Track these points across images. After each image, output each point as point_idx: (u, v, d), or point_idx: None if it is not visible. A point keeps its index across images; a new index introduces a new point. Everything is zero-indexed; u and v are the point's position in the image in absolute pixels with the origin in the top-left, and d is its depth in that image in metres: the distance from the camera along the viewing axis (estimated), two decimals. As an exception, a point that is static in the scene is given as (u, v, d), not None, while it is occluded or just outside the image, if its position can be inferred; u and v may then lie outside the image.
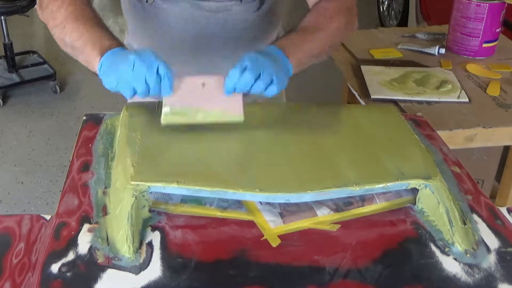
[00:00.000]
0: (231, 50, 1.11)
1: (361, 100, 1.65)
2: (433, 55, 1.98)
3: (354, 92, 1.71)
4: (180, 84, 0.98)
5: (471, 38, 1.97)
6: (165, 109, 0.98)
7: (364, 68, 1.80)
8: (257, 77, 0.95)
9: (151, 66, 0.91)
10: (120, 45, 1.00)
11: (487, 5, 1.91)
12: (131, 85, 0.92)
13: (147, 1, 1.11)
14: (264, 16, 1.22)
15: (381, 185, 0.91)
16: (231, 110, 1.00)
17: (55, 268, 0.78)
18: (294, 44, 1.07)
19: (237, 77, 0.95)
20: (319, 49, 1.12)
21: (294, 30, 1.12)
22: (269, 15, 1.25)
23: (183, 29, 1.17)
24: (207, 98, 0.99)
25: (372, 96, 1.63)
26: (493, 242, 0.88)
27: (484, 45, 1.97)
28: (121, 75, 0.93)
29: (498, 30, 1.98)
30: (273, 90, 0.98)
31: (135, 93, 0.93)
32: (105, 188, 0.94)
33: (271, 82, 0.97)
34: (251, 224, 0.88)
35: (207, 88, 0.99)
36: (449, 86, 1.71)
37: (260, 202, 0.92)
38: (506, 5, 1.95)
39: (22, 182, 2.69)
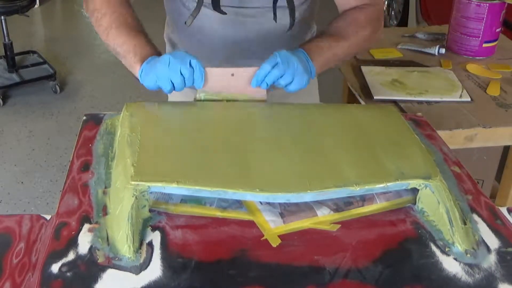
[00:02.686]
0: (263, 53, 1.15)
1: (361, 101, 1.65)
2: (433, 55, 1.99)
3: (355, 92, 1.71)
4: (211, 75, 1.10)
5: (471, 38, 1.97)
6: (198, 95, 1.12)
7: (364, 68, 1.80)
8: (282, 74, 1.08)
9: (184, 59, 1.04)
10: (158, 52, 1.13)
11: (487, 5, 1.91)
12: (168, 78, 1.05)
13: (185, 23, 1.20)
14: (298, 25, 1.28)
15: (381, 185, 0.91)
16: (256, 94, 1.14)
17: (55, 268, 0.78)
18: (320, 49, 1.17)
19: (267, 71, 1.08)
20: (344, 56, 1.24)
21: (323, 34, 1.22)
22: (302, 24, 1.33)
23: (223, 31, 1.26)
24: (235, 86, 1.13)
25: (374, 97, 1.63)
26: (493, 242, 0.88)
27: (484, 45, 1.97)
28: (159, 72, 1.05)
29: (498, 30, 1.98)
30: (290, 88, 1.11)
31: (173, 86, 1.06)
32: (105, 188, 0.94)
33: (292, 81, 1.10)
34: (251, 224, 0.88)
35: (236, 78, 1.12)
36: (451, 85, 1.71)
37: (260, 202, 0.92)
38: (506, 5, 1.95)
39: (22, 182, 2.69)
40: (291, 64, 1.08)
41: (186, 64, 1.04)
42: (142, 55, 1.11)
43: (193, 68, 1.05)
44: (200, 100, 1.13)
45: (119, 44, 1.13)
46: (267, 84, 1.10)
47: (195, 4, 1.20)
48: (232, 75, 1.12)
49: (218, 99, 1.13)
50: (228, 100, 1.13)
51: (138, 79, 1.14)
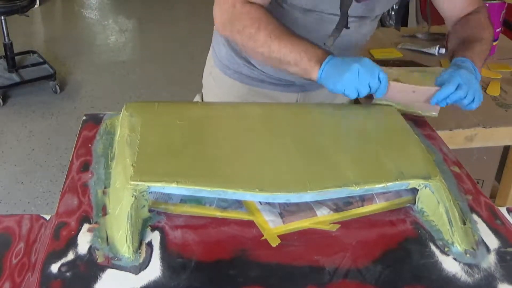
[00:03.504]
0: (343, 52, 1.25)
1: (361, 101, 1.64)
2: (433, 55, 1.99)
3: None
4: (394, 89, 1.15)
5: (471, 38, 1.96)
6: (375, 100, 1.17)
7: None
8: (466, 95, 1.16)
9: (374, 72, 1.08)
10: (329, 52, 1.14)
11: (487, 5, 1.91)
12: (355, 88, 1.08)
13: (325, 44, 1.23)
14: (370, 28, 1.41)
15: (381, 185, 0.91)
16: (430, 109, 1.20)
17: (54, 268, 0.78)
18: (477, 55, 1.26)
19: (451, 92, 1.15)
20: (486, 56, 1.31)
21: (466, 40, 1.31)
22: (372, 25, 1.43)
23: (309, 33, 1.26)
24: (413, 100, 1.18)
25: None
26: (493, 242, 0.88)
27: (484, 45, 1.97)
28: (346, 81, 1.08)
29: (498, 30, 1.98)
30: (472, 106, 1.18)
31: (358, 94, 1.09)
32: (105, 188, 0.94)
33: (473, 99, 1.17)
34: (251, 224, 0.88)
35: (416, 94, 1.18)
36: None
37: (260, 202, 0.92)
38: (506, 5, 1.95)
39: (22, 182, 2.69)
40: (471, 84, 1.16)
41: (375, 78, 1.08)
42: (318, 57, 1.11)
43: (380, 81, 1.09)
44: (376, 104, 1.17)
45: (286, 53, 1.13)
46: (447, 103, 1.17)
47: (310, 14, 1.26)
48: (413, 92, 1.17)
49: (390, 105, 1.17)
50: (398, 110, 1.17)
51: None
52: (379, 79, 1.09)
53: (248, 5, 1.16)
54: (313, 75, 1.12)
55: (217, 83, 1.52)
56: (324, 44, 1.21)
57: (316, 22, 1.29)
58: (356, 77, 1.07)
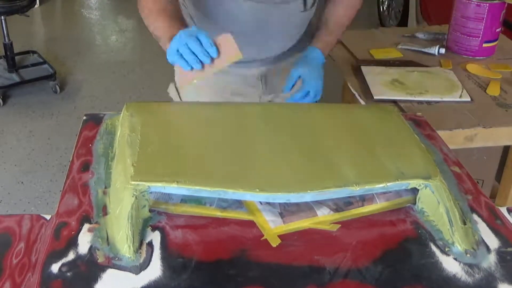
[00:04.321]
0: (281, 35, 1.44)
1: (361, 100, 1.65)
2: (433, 55, 1.98)
3: (354, 92, 1.71)
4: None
5: (471, 38, 1.97)
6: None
7: (364, 68, 1.80)
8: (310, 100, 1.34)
9: (192, 34, 1.10)
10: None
11: (487, 5, 1.91)
12: (177, 50, 1.10)
13: None
14: (308, 13, 1.47)
15: (381, 185, 0.91)
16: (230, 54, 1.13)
17: (55, 268, 0.78)
18: (328, 45, 1.45)
19: (298, 99, 1.34)
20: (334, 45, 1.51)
21: (325, 24, 1.46)
22: (310, 12, 1.49)
23: (246, 19, 1.38)
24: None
25: (374, 97, 1.63)
26: (493, 242, 0.88)
27: (484, 45, 1.97)
28: (172, 45, 1.12)
29: (498, 30, 1.98)
30: (308, 101, 1.36)
31: (184, 59, 1.10)
32: (105, 188, 0.94)
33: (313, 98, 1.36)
34: (251, 224, 0.88)
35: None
36: (451, 85, 1.71)
37: (260, 202, 0.92)
38: (506, 5, 1.95)
39: (22, 182, 2.69)
40: (318, 89, 1.36)
41: (193, 37, 1.09)
42: (172, 36, 1.15)
43: (200, 41, 1.09)
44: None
45: (157, 27, 1.23)
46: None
47: None
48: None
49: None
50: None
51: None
52: (198, 39, 1.09)
53: None
54: (165, 49, 1.18)
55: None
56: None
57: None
58: (177, 40, 1.11)
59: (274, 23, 1.42)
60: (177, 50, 1.10)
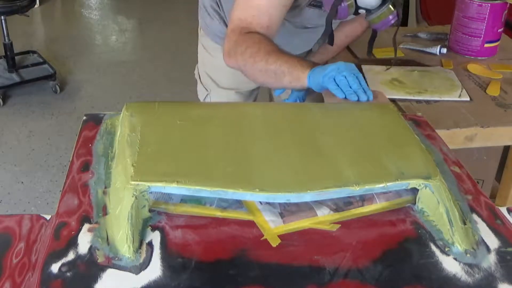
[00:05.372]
0: (302, 48, 1.65)
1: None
2: (435, 54, 1.98)
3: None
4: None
5: (473, 38, 1.96)
6: None
7: (365, 67, 1.80)
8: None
9: (352, 68, 1.25)
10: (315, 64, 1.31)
11: (489, 5, 1.91)
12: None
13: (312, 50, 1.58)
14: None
15: (381, 185, 0.91)
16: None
17: (55, 268, 0.78)
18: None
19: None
20: None
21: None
22: None
23: (283, 37, 1.48)
24: None
25: None
26: (493, 242, 0.88)
27: (486, 45, 1.97)
28: (330, 72, 1.23)
29: (500, 30, 1.98)
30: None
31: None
32: (105, 188, 0.94)
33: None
34: (251, 224, 0.88)
35: None
36: (450, 85, 1.71)
37: (260, 202, 0.92)
38: (508, 5, 1.95)
39: (22, 182, 2.69)
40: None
41: (353, 72, 1.23)
42: (307, 65, 1.28)
43: (357, 77, 1.23)
44: None
45: (282, 63, 1.29)
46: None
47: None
48: None
49: None
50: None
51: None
52: (355, 76, 1.22)
53: (250, 33, 1.35)
54: (303, 80, 1.27)
55: (209, 51, 1.76)
56: (311, 50, 1.54)
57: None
58: (336, 69, 1.22)
59: (299, 41, 1.61)
60: (334, 79, 1.21)
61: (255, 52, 1.31)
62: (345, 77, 1.21)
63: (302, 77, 1.27)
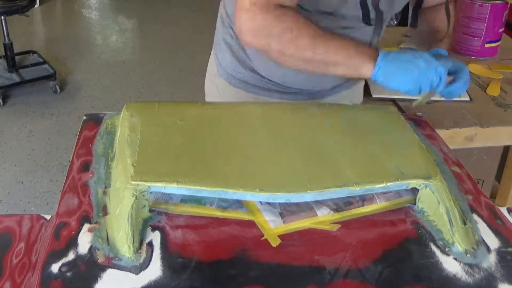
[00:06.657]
0: None
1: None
2: (434, 54, 1.98)
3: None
4: None
5: (473, 38, 1.97)
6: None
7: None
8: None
9: (436, 69, 1.02)
10: (377, 49, 1.08)
11: (490, 5, 1.91)
12: (419, 85, 1.03)
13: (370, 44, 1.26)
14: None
15: (381, 185, 0.91)
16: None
17: (55, 268, 0.78)
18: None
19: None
20: None
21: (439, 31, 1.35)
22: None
23: None
24: None
25: (373, 95, 1.63)
26: (493, 242, 0.88)
27: (487, 45, 1.97)
28: (411, 78, 1.03)
29: (500, 30, 1.98)
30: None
31: (420, 91, 1.04)
32: (105, 188, 0.94)
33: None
34: (251, 224, 0.88)
35: None
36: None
37: (260, 202, 0.92)
38: (508, 5, 1.95)
39: (22, 182, 2.69)
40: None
41: (437, 74, 1.03)
42: (369, 54, 1.05)
43: (440, 77, 1.03)
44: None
45: (335, 52, 1.07)
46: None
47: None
48: None
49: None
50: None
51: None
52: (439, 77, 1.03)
53: (281, 8, 1.06)
54: (366, 72, 1.06)
55: (221, 92, 1.45)
56: (370, 44, 1.21)
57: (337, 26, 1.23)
58: (419, 73, 1.02)
59: None
60: (419, 85, 1.03)
61: (296, 36, 1.06)
62: (428, 78, 1.03)
63: (363, 69, 1.06)
